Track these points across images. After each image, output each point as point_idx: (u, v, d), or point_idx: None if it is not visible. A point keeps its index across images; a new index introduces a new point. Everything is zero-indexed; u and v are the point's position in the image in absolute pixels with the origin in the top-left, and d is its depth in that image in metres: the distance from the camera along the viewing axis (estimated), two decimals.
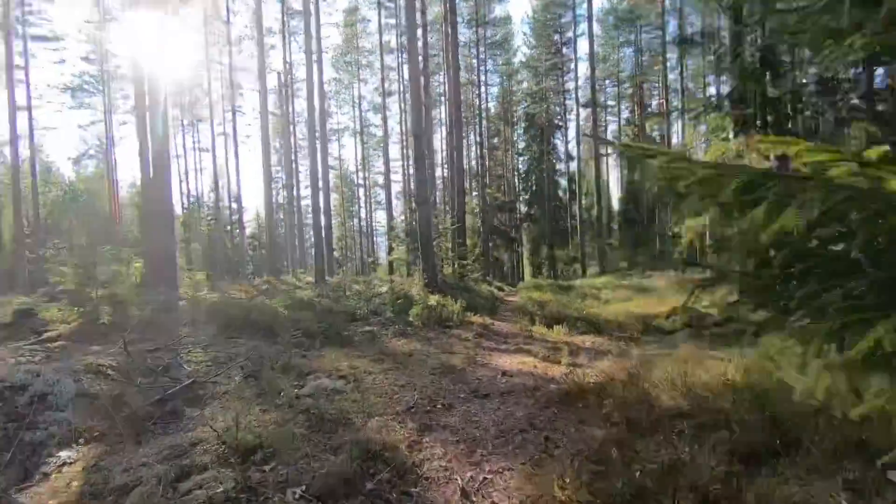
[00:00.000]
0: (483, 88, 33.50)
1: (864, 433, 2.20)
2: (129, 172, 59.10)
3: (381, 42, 29.84)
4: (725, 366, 3.46)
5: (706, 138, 9.56)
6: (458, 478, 2.48)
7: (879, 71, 8.00)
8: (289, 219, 34.07)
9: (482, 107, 33.45)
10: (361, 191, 45.75)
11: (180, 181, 35.30)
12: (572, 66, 34.37)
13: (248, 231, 38.47)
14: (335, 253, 57.32)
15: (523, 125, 37.27)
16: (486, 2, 32.19)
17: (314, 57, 21.34)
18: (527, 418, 3.31)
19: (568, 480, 2.22)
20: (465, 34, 31.42)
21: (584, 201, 34.90)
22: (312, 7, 20.06)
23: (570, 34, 31.92)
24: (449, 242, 15.22)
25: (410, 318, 8.51)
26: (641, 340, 6.20)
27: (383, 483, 2.41)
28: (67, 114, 38.10)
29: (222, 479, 2.35)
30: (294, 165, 33.99)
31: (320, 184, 21.23)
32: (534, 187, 35.24)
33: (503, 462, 2.67)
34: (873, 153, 1.35)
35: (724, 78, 9.48)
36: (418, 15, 16.49)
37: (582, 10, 30.58)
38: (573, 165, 36.31)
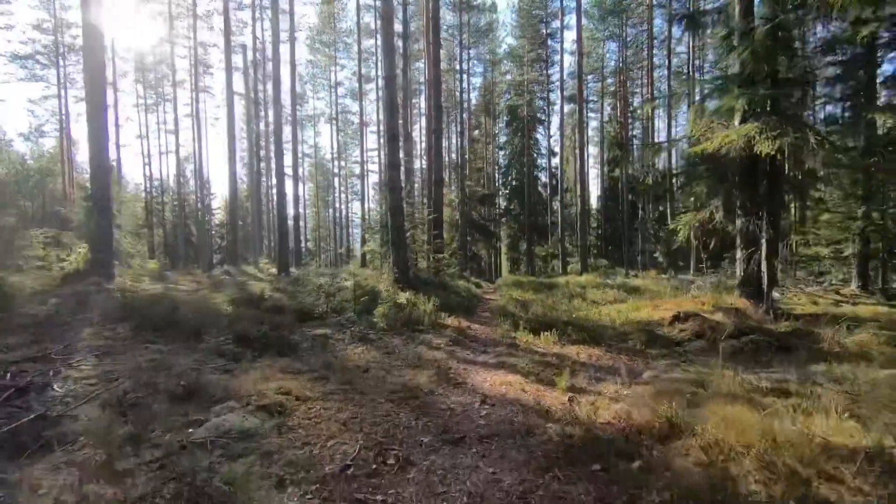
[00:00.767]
0: (465, 78, 32.28)
1: None
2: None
3: (358, 23, 28.31)
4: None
5: (708, 125, 8.59)
6: None
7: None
8: (258, 206, 32.27)
9: (464, 98, 32.23)
10: (338, 181, 44.15)
11: (144, 164, 33.16)
12: (557, 58, 33.48)
13: (218, 218, 36.53)
14: (309, 244, 55.71)
15: (505, 118, 36.30)
16: None
17: (286, 36, 19.83)
18: (519, 492, 2.20)
19: None
20: (448, 19, 30.17)
21: (565, 197, 34.19)
22: None
23: (556, 24, 30.91)
24: (425, 235, 14.04)
25: (375, 319, 7.34)
26: (647, 354, 5.18)
27: None
28: (18, 86, 35.18)
29: None
30: (265, 151, 32.24)
31: (288, 170, 19.79)
32: (514, 182, 34.35)
33: None
34: None
35: (732, 62, 8.51)
36: None
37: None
38: (555, 161, 35.55)
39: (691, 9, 17.90)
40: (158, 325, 5.61)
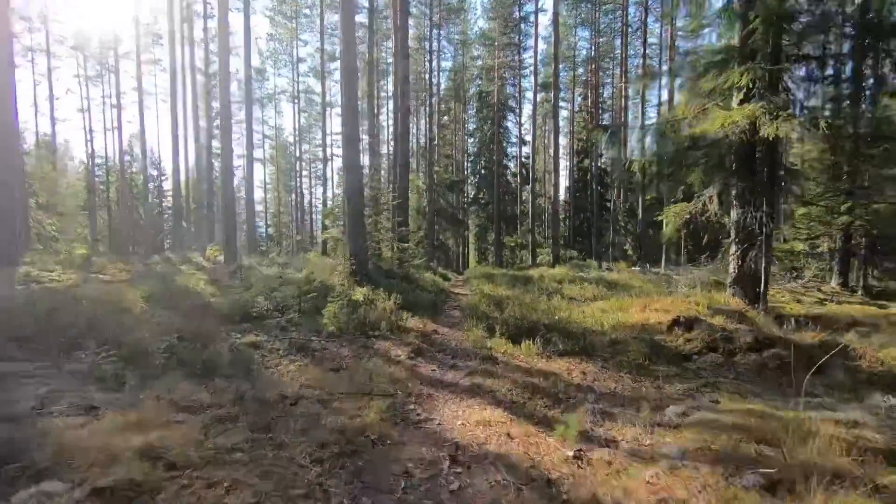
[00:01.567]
0: (436, 60, 30.83)
1: None
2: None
3: None
4: None
5: (702, 107, 7.75)
6: None
7: None
8: (210, 189, 30.05)
9: (434, 81, 30.81)
10: (301, 164, 42.03)
11: (87, 140, 30.38)
12: (530, 42, 32.46)
13: (171, 202, 33.93)
14: (270, 230, 53.33)
15: (475, 105, 35.19)
16: None
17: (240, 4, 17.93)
18: None
19: None
20: None
21: (535, 187, 33.48)
22: None
23: (529, 7, 29.83)
24: (389, 222, 12.80)
25: (325, 320, 6.15)
26: (653, 372, 4.23)
27: None
28: None
29: None
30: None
31: (237, 148, 18.01)
32: (483, 170, 33.37)
33: None
34: None
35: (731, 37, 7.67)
36: None
37: None
38: (525, 150, 34.75)
39: None
40: (25, 332, 4.26)
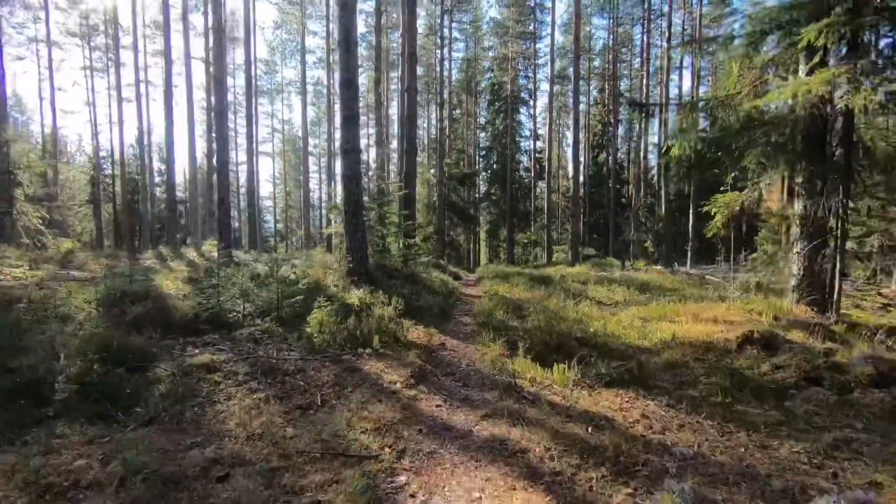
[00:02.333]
0: (448, 47, 29.56)
1: None
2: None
3: None
4: None
5: (758, 78, 6.50)
6: None
7: None
8: (211, 183, 29.20)
9: (444, 72, 29.54)
10: (312, 160, 41.18)
11: (93, 133, 29.81)
12: (545, 32, 31.08)
13: (179, 196, 33.25)
14: (279, 225, 52.65)
15: (487, 97, 33.92)
16: None
17: None
18: None
19: None
20: None
21: (551, 182, 32.19)
22: None
23: None
24: (395, 216, 11.64)
25: (309, 329, 5.07)
26: (742, 415, 3.04)
27: None
28: None
29: None
30: (232, 123, 29.12)
31: (242, 140, 17.01)
32: (495, 165, 32.12)
33: None
34: None
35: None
36: None
37: None
38: (539, 144, 33.41)
39: None
40: None
